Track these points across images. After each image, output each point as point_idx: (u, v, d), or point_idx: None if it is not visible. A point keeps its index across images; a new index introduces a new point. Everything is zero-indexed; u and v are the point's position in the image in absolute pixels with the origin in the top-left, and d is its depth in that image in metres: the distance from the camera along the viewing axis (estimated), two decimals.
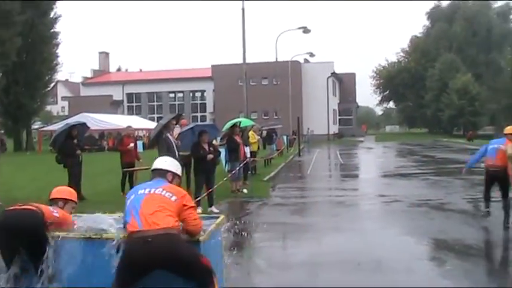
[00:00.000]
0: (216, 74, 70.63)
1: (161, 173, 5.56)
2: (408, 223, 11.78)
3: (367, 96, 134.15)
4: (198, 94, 77.38)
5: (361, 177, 24.14)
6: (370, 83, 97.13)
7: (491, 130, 72.95)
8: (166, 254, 4.76)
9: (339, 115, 78.72)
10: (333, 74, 71.88)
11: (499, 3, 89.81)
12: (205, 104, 76.15)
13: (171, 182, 5.50)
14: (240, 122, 19.19)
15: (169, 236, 4.82)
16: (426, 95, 79.46)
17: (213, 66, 72.26)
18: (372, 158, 37.24)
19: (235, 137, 16.98)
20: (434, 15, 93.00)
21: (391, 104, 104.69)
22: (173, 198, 5.11)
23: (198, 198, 12.48)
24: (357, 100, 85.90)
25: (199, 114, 74.39)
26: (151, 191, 5.15)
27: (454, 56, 79.21)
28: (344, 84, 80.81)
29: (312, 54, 56.27)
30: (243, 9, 27.70)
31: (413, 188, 18.23)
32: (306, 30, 42.75)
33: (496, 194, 11.32)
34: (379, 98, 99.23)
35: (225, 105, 62.27)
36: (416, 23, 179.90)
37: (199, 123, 36.13)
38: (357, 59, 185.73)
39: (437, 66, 77.55)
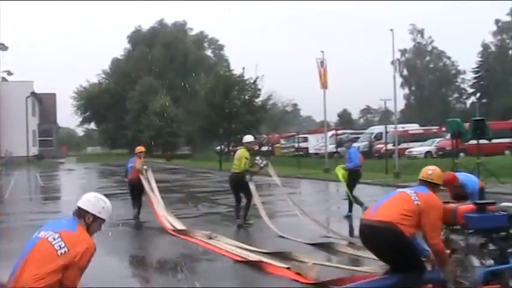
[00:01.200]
0: None
1: (80, 213, 5.13)
2: (110, 243, 12.17)
3: (69, 117, 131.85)
4: None
5: (63, 199, 23.91)
6: (71, 104, 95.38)
7: (188, 150, 77.14)
8: None
9: (39, 136, 76.01)
10: (33, 93, 69.33)
11: (194, 32, 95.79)
12: None
13: (89, 225, 5.15)
14: None
15: None
16: (127, 117, 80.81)
17: None
18: (74, 180, 36.92)
19: None
20: (135, 38, 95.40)
21: (93, 125, 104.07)
22: (61, 251, 4.64)
23: None
24: (58, 121, 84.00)
25: None
26: (46, 236, 4.66)
27: (153, 79, 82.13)
28: (44, 104, 78.32)
29: (10, 73, 54.11)
30: None
31: (114, 208, 18.59)
32: (3, 48, 41.14)
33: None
34: (80, 119, 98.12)
35: None
36: (117, 46, 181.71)
37: None
38: (58, 80, 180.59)
39: (137, 89, 79.45)
